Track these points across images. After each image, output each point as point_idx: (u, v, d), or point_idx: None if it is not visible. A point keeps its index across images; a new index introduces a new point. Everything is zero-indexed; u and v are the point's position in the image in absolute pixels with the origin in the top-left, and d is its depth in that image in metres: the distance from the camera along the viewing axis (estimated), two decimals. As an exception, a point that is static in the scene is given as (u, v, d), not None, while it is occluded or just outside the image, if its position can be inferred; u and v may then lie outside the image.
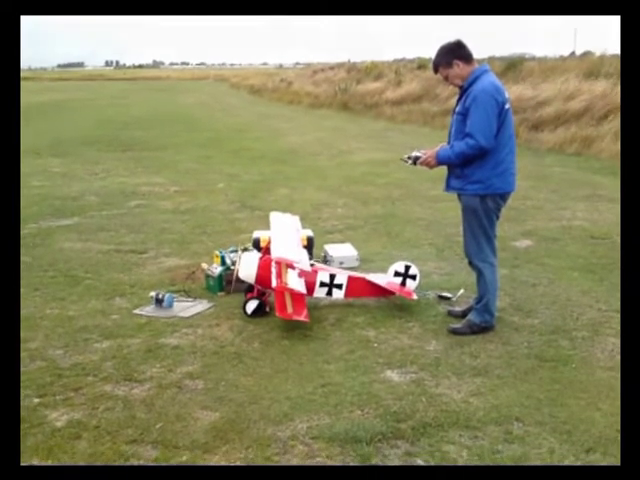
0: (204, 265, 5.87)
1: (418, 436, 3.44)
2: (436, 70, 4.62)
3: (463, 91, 4.51)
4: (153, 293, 5.38)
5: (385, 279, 5.32)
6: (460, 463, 3.20)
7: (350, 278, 5.27)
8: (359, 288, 5.28)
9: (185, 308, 5.31)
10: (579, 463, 3.17)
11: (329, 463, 3.21)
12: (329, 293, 5.25)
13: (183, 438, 3.44)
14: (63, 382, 4.06)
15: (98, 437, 3.45)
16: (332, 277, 5.23)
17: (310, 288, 5.19)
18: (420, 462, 3.22)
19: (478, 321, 4.68)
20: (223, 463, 3.21)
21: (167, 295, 5.35)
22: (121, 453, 3.30)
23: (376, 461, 3.23)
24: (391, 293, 5.27)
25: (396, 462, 3.22)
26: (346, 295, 5.26)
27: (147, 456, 3.28)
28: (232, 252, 5.81)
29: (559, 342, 4.59)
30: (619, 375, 3.89)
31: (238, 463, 3.21)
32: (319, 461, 3.22)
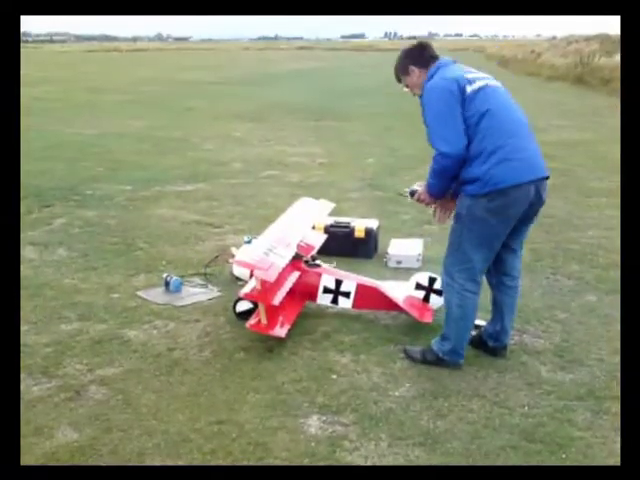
0: (234, 250, 5.24)
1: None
2: (398, 79, 3.73)
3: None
4: (165, 275, 4.93)
5: (404, 292, 4.19)
6: None
7: (360, 286, 4.24)
8: (370, 299, 4.23)
9: (188, 295, 4.76)
10: None
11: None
12: (334, 301, 4.30)
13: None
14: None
15: None
16: (338, 283, 4.26)
17: (313, 293, 4.31)
18: None
19: (436, 349, 3.63)
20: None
21: (174, 279, 4.85)
22: None
23: None
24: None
25: None
26: (355, 305, 4.26)
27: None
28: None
29: (576, 414, 3.16)
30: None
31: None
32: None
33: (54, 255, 5.61)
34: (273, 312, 3.93)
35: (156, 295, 4.78)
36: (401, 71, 3.65)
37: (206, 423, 3.16)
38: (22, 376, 3.59)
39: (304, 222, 4.69)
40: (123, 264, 5.44)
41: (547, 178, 3.43)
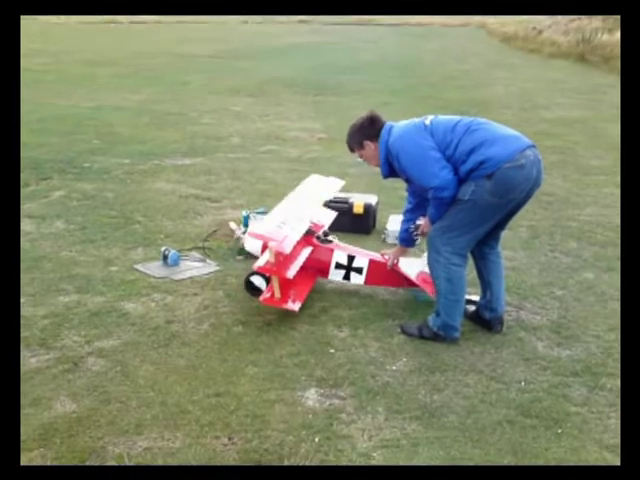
0: (232, 225, 5.23)
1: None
2: (352, 150, 3.88)
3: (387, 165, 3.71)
4: (163, 248, 4.92)
5: (417, 267, 4.19)
6: None
7: (372, 262, 4.24)
8: (383, 275, 4.24)
9: (186, 269, 4.76)
10: None
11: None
12: (347, 277, 4.29)
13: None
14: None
15: None
16: (351, 259, 4.26)
17: (324, 269, 4.31)
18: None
19: (431, 324, 3.70)
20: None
21: (172, 252, 4.84)
22: None
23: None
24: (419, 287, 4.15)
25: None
26: (367, 282, 4.27)
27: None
28: (260, 213, 5.07)
29: (571, 390, 3.19)
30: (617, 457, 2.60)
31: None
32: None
33: (52, 228, 5.59)
34: (286, 286, 3.93)
35: (154, 269, 4.78)
36: (356, 146, 3.81)
37: (204, 395, 3.18)
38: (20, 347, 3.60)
39: (315, 198, 4.65)
40: (121, 237, 5.43)
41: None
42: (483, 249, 3.76)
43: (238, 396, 3.16)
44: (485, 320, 3.82)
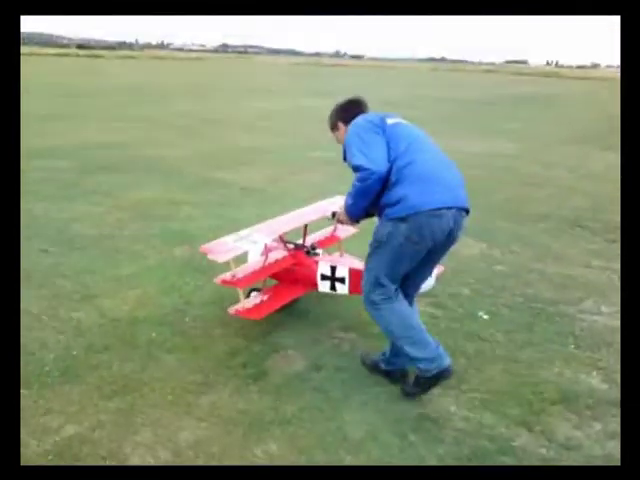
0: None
1: None
2: (332, 130, 3.86)
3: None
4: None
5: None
6: None
7: (352, 271, 4.16)
8: None
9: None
10: None
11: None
12: (332, 287, 4.26)
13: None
14: None
15: None
16: (333, 269, 4.23)
17: (313, 281, 4.32)
18: None
19: (424, 371, 3.43)
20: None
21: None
22: None
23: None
24: None
25: None
26: (351, 291, 4.20)
27: None
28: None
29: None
30: None
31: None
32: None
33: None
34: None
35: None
36: (330, 126, 3.81)
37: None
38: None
39: (307, 214, 4.58)
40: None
41: (467, 211, 3.38)
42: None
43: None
44: (382, 371, 3.72)
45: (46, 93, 22.95)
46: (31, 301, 4.56)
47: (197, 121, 16.15)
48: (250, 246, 3.95)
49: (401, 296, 3.48)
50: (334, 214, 3.83)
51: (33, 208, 7.11)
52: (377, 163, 3.24)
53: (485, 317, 4.61)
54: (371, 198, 3.34)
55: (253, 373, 3.72)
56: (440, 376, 3.39)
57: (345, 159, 3.49)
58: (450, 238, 3.33)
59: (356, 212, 3.50)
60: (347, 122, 3.62)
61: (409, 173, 3.24)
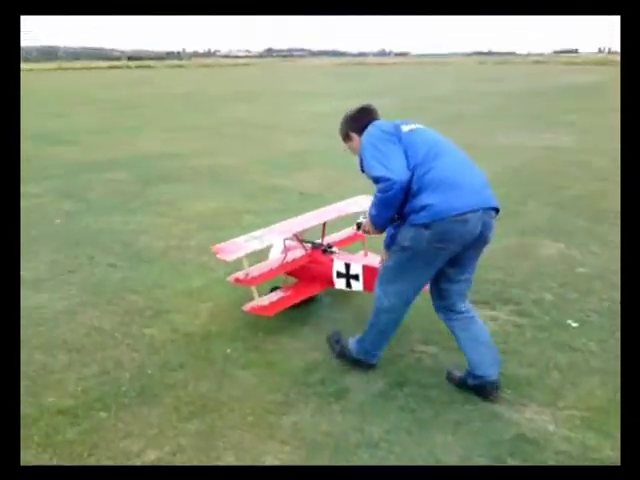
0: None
1: None
2: (343, 140, 3.79)
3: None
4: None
5: None
6: None
7: (366, 268, 4.19)
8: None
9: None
10: None
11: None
12: (348, 285, 4.34)
13: None
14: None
15: None
16: (347, 266, 4.29)
17: (329, 279, 4.43)
18: None
19: (352, 350, 3.79)
20: None
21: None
22: None
23: None
24: None
25: None
26: (365, 287, 4.22)
27: None
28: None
29: None
30: None
31: None
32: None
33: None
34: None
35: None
36: (342, 137, 3.74)
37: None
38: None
39: (324, 214, 4.73)
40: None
41: (497, 210, 3.32)
42: (449, 316, 3.56)
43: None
44: (469, 386, 3.55)
45: (105, 105, 23.41)
46: (103, 318, 4.54)
47: (249, 127, 16.16)
48: (259, 246, 4.11)
49: (405, 309, 3.57)
50: (359, 225, 3.80)
51: (98, 221, 7.15)
52: (398, 173, 3.18)
53: (574, 325, 4.35)
54: (395, 208, 3.30)
55: (334, 391, 3.57)
56: (359, 364, 3.74)
57: (363, 170, 3.45)
58: (481, 239, 3.29)
59: (381, 222, 3.47)
60: (359, 131, 3.57)
61: (431, 180, 3.19)
